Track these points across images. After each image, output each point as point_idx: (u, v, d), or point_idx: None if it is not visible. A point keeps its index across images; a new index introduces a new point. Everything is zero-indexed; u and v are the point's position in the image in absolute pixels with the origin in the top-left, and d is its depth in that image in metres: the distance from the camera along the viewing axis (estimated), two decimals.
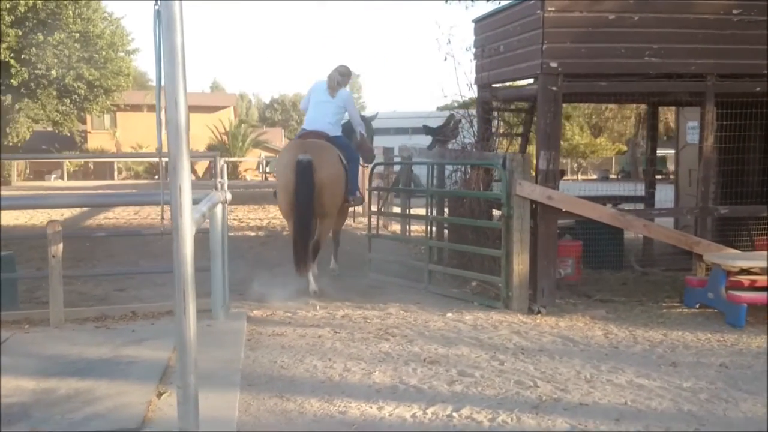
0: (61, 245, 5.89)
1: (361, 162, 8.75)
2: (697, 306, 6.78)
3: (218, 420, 3.93)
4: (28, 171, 40.92)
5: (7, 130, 36.17)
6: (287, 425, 3.95)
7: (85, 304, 6.98)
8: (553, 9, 6.58)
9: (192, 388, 3.71)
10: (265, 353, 5.19)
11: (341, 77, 7.94)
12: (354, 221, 13.12)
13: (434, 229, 8.69)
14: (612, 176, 42.93)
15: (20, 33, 30.29)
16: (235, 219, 14.08)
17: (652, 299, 7.28)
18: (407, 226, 10.66)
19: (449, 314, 6.53)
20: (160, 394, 4.32)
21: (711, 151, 6.99)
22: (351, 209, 9.66)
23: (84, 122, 43.42)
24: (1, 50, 29.54)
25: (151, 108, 39.77)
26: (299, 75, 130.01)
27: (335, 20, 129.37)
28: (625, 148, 44.92)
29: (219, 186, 6.21)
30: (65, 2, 31.63)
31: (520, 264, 6.70)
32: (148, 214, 14.75)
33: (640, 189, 9.61)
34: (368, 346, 5.44)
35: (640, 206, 9.06)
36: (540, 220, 6.79)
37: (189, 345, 3.69)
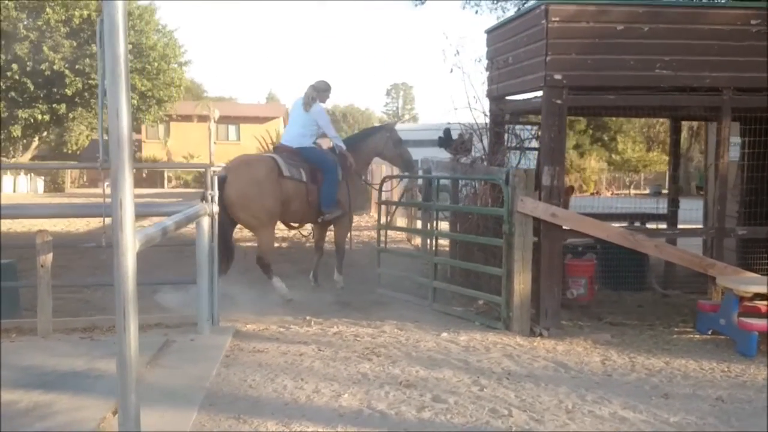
0: (50, 255, 5.88)
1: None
2: (710, 332, 6.43)
3: None
4: (84, 179, 41.96)
5: (64, 137, 37.28)
6: None
7: (85, 314, 6.99)
8: (557, 19, 6.33)
9: (132, 408, 3.60)
10: (239, 371, 5.06)
11: (316, 93, 8.07)
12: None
13: (439, 244, 8.47)
14: (665, 191, 41.79)
15: (75, 44, 31.10)
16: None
17: (666, 323, 6.95)
18: (429, 240, 10.45)
19: (444, 334, 6.31)
20: (115, 411, 4.21)
21: (727, 169, 6.63)
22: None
23: (139, 132, 44.41)
24: (57, 61, 30.37)
25: (201, 118, 40.42)
26: (352, 87, 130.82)
27: (388, 35, 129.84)
28: None
29: (209, 198, 6.11)
30: None
31: (522, 283, 6.45)
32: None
33: (692, 206, 9.22)
34: (348, 366, 5.27)
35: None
36: (543, 238, 6.52)
37: (129, 363, 3.59)
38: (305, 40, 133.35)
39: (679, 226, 8.41)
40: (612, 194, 38.71)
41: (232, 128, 44.46)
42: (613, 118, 35.71)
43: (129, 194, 3.46)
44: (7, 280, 6.92)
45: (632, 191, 42.47)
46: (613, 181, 43.69)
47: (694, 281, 7.98)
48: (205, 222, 5.84)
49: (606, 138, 48.66)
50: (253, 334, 6.17)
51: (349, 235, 9.83)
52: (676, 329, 6.76)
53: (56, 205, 9.70)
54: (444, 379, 5.04)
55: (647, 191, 41.83)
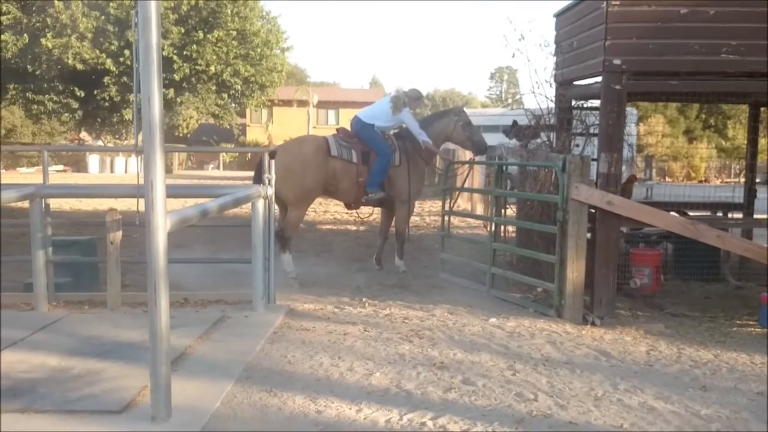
0: (120, 233, 6.27)
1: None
2: None
3: (195, 409, 4.06)
4: (192, 161, 43.76)
5: (170, 120, 38.97)
6: (259, 420, 4.01)
7: None
8: (617, 3, 6.21)
9: (163, 378, 3.88)
10: (282, 347, 5.28)
11: (408, 99, 8.35)
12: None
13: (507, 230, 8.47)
14: None
15: (183, 31, 32.35)
16: (340, 213, 14.31)
17: (729, 316, 6.75)
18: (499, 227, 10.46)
19: (492, 319, 6.35)
20: None
21: None
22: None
23: (244, 116, 45.87)
24: (166, 46, 31.71)
25: (301, 103, 41.25)
26: (455, 70, 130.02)
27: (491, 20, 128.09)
28: None
29: (266, 181, 6.37)
30: (225, 2, 33.46)
31: (575, 271, 6.40)
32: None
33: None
34: (388, 346, 5.41)
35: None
36: (599, 226, 6.45)
37: (160, 336, 3.85)
38: (410, 24, 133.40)
39: (756, 216, 8.08)
40: (722, 182, 37.12)
41: (331, 113, 45.24)
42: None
43: (160, 176, 3.69)
44: (88, 255, 7.45)
45: (742, 179, 40.58)
46: (723, 169, 41.82)
47: None
48: (260, 204, 6.09)
49: (719, 124, 46.63)
50: (306, 313, 6.40)
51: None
52: (738, 322, 6.56)
53: (95, 186, 10.23)
54: (479, 362, 5.10)
55: (758, 179, 39.83)
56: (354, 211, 8.91)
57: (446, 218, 8.67)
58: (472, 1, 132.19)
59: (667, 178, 39.29)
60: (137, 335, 5.40)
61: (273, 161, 6.59)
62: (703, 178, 39.36)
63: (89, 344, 5.20)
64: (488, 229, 11.65)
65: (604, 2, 6.24)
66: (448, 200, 8.69)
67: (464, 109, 9.06)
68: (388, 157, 8.10)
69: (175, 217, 3.95)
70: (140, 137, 3.77)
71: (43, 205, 6.36)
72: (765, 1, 6.20)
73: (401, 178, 8.25)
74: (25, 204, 6.23)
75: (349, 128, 8.48)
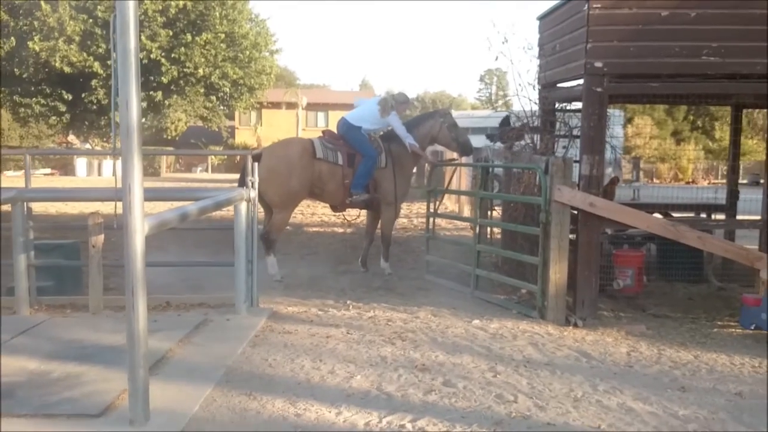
0: (101, 236, 6.25)
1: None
2: (752, 327, 6.24)
3: (174, 413, 4.05)
4: (180, 164, 43.63)
5: (159, 123, 38.90)
6: (238, 424, 4.00)
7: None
8: (598, 6, 6.24)
9: (141, 381, 3.86)
10: (263, 350, 5.28)
11: (396, 103, 8.38)
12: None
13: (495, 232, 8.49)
14: (763, 181, 39.82)
15: (171, 33, 32.30)
16: (327, 216, 14.30)
17: (711, 317, 6.79)
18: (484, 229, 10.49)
19: (476, 321, 6.37)
20: None
21: None
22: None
23: (232, 118, 45.80)
24: (154, 49, 31.66)
25: (290, 106, 41.21)
26: (445, 73, 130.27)
27: (481, 21, 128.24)
28: None
29: (249, 184, 6.37)
30: (213, 4, 33.43)
31: (558, 273, 6.42)
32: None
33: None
34: (370, 349, 5.41)
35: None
36: (581, 227, 6.48)
37: (138, 339, 3.84)
38: (400, 26, 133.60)
39: (738, 218, 8.14)
40: (709, 183, 37.31)
41: (321, 115, 45.21)
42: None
43: (138, 180, 3.69)
44: (71, 259, 7.42)
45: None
46: (711, 170, 42.05)
47: (754, 274, 7.72)
48: (243, 207, 6.09)
49: (706, 125, 46.90)
50: (289, 316, 6.40)
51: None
52: (719, 323, 6.60)
53: (75, 189, 10.24)
54: (461, 364, 5.12)
55: (745, 180, 40.11)
56: (341, 213, 8.91)
57: (431, 220, 8.69)
58: (462, 3, 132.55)
59: (654, 180, 39.50)
60: (118, 339, 5.37)
61: (256, 164, 6.59)
62: (690, 180, 39.59)
63: (70, 348, 5.18)
64: (472, 230, 11.72)
65: (586, 5, 6.27)
66: (433, 202, 8.71)
67: (450, 110, 9.10)
68: (373, 160, 8.12)
69: (153, 220, 3.94)
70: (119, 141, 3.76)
71: (25, 209, 6.34)
72: (745, 2, 6.25)
73: (387, 180, 8.27)
74: (7, 207, 6.20)
75: (336, 130, 8.50)
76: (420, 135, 8.55)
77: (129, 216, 3.67)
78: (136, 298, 3.78)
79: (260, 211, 7.54)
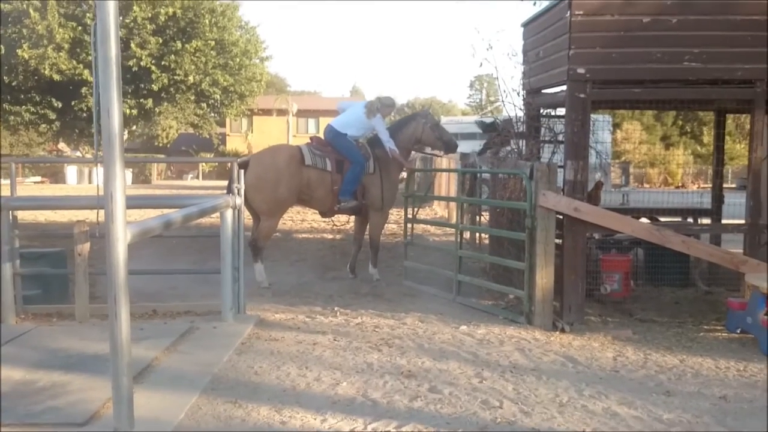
0: (88, 244, 6.24)
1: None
2: (738, 331, 6.27)
3: (159, 421, 4.04)
4: (171, 171, 43.56)
5: (150, 131, 38.88)
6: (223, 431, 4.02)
7: (131, 301, 7.30)
8: (581, 13, 6.29)
9: (125, 390, 3.85)
10: (249, 358, 5.28)
11: (381, 106, 8.39)
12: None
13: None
14: None
15: (161, 41, 32.29)
16: (317, 222, 14.30)
17: (697, 321, 6.82)
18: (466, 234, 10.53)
19: (463, 327, 6.39)
20: None
21: (760, 163, 6.44)
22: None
23: (224, 125, 45.77)
24: (144, 57, 31.65)
25: (281, 112, 41.21)
26: (435, 79, 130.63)
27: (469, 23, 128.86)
28: None
29: (235, 191, 6.38)
30: (203, 12, 33.45)
31: (544, 278, 6.45)
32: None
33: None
34: (356, 356, 5.42)
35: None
36: (567, 232, 6.51)
37: (121, 348, 3.82)
38: (390, 32, 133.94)
39: (723, 222, 8.19)
40: (698, 187, 37.46)
41: (311, 121, 45.23)
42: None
43: (120, 188, 3.69)
44: (58, 267, 7.40)
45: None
46: (700, 174, 42.19)
47: (741, 278, 7.77)
48: (229, 214, 6.09)
49: (695, 130, 47.11)
50: (276, 323, 6.40)
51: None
52: (705, 327, 6.63)
53: (59, 197, 10.27)
54: (447, 370, 5.13)
55: (734, 185, 40.31)
56: (329, 219, 8.93)
57: (409, 226, 8.72)
58: (452, 9, 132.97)
59: (644, 184, 39.62)
60: (104, 347, 5.32)
61: (243, 171, 6.60)
62: (680, 184, 39.69)
63: (55, 357, 5.17)
64: (465, 237, 11.74)
65: (568, 12, 6.32)
66: (412, 208, 8.75)
67: (429, 111, 9.16)
68: (361, 166, 8.14)
69: (136, 228, 3.94)
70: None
71: (11, 217, 6.32)
72: (726, 9, 6.31)
73: (374, 186, 8.29)
74: None
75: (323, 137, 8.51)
76: (405, 137, 8.58)
77: (111, 224, 3.67)
78: (118, 306, 3.77)
79: (248, 218, 7.54)
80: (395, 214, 15.29)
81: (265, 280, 7.87)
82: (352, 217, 9.25)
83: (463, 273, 7.74)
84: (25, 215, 13.27)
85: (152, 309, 6.61)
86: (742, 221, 6.90)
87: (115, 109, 3.67)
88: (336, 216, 8.86)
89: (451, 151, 9.01)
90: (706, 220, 8.62)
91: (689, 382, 5.04)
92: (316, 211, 8.99)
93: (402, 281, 8.42)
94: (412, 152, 9.33)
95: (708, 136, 42.14)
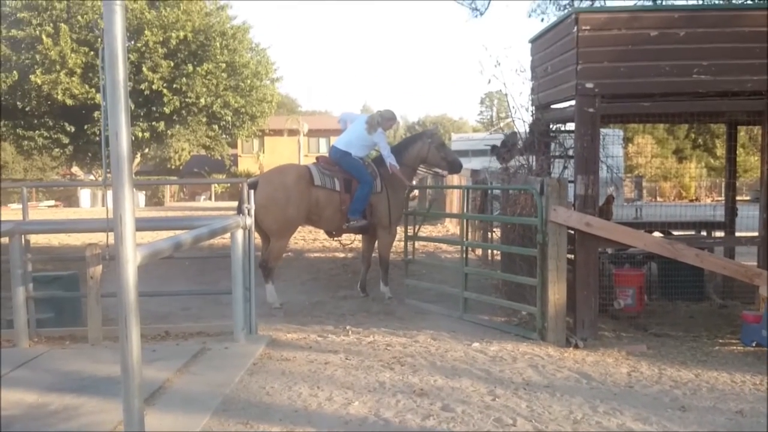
0: (99, 267, 6.28)
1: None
2: (753, 344, 6.20)
3: None
4: (184, 192, 43.84)
5: (162, 153, 39.13)
6: None
7: (144, 323, 7.36)
8: (588, 28, 6.30)
9: (136, 412, 3.83)
10: (261, 378, 5.27)
11: (382, 119, 8.39)
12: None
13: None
14: None
15: (172, 64, 32.58)
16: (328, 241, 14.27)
17: (712, 335, 6.76)
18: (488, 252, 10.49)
19: (475, 344, 6.35)
20: None
21: None
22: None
23: (235, 146, 46.03)
24: (155, 80, 31.93)
25: (292, 132, 41.42)
26: (446, 97, 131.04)
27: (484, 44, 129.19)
28: None
29: (245, 211, 6.40)
30: (214, 35, 33.76)
31: (557, 293, 6.41)
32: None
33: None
34: (368, 374, 5.40)
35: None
36: (578, 247, 6.48)
37: (132, 370, 3.81)
38: (401, 50, 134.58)
39: (737, 235, 8.12)
40: (713, 201, 37.23)
41: (323, 141, 45.32)
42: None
43: (129, 210, 3.69)
44: (70, 290, 7.44)
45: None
46: (714, 187, 41.96)
47: (755, 291, 7.69)
48: (239, 234, 6.10)
49: (708, 143, 46.92)
50: (288, 343, 6.39)
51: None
52: (720, 341, 6.57)
53: (71, 221, 10.36)
54: (460, 388, 5.09)
55: (748, 197, 40.04)
56: (336, 238, 8.93)
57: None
58: (462, 26, 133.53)
59: (658, 198, 39.42)
60: (116, 369, 5.29)
61: (253, 191, 6.62)
62: (694, 197, 39.47)
63: (68, 380, 5.18)
64: (474, 252, 11.71)
65: (575, 27, 6.32)
66: (413, 226, 8.75)
67: (437, 130, 9.16)
68: (370, 185, 8.14)
69: (146, 250, 3.95)
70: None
71: (23, 241, 6.36)
72: (734, 21, 6.30)
73: (382, 204, 8.29)
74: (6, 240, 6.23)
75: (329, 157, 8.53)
76: (410, 157, 8.61)
77: (121, 246, 3.68)
78: (129, 328, 3.76)
79: (257, 238, 7.55)
80: (422, 231, 15.27)
81: (277, 301, 7.86)
82: (357, 237, 9.25)
83: (475, 290, 7.71)
84: (39, 239, 13.43)
85: (165, 330, 6.61)
86: (756, 234, 6.85)
87: (123, 132, 3.68)
88: (342, 235, 8.85)
89: (455, 171, 9.04)
90: (720, 233, 8.56)
91: (705, 396, 4.98)
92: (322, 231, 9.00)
93: (414, 298, 8.38)
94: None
95: (721, 149, 41.91)
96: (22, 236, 6.34)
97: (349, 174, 8.16)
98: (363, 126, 8.35)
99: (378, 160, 8.51)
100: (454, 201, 16.61)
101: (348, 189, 8.11)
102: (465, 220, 8.03)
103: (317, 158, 8.62)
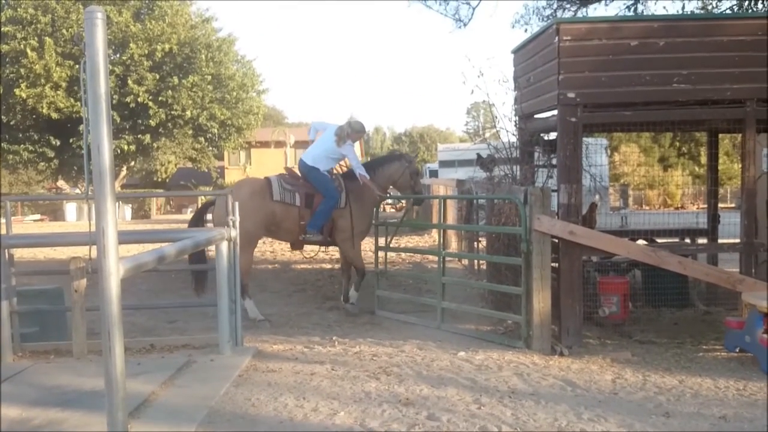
0: (84, 280, 6.25)
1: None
2: (737, 350, 6.24)
3: None
4: (170, 205, 43.72)
5: (148, 166, 38.99)
6: None
7: (129, 336, 7.34)
8: (569, 38, 6.36)
9: (120, 425, 3.84)
10: (246, 390, 5.26)
11: (351, 131, 8.35)
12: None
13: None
14: None
15: (158, 77, 32.56)
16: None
17: (696, 341, 6.80)
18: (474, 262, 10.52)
19: (461, 353, 6.37)
20: None
21: (753, 182, 6.46)
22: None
23: (222, 159, 45.95)
24: (141, 93, 31.89)
25: (278, 144, 41.39)
26: (433, 107, 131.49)
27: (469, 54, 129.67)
28: None
29: (230, 223, 6.40)
30: (199, 47, 33.76)
31: (541, 302, 6.44)
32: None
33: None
34: (354, 385, 5.40)
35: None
36: (563, 256, 6.52)
37: (116, 383, 3.81)
38: (387, 61, 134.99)
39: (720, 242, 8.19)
40: (698, 208, 37.47)
41: None
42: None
43: (111, 223, 3.70)
44: (55, 304, 7.39)
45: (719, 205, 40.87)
46: (699, 195, 42.27)
47: (738, 297, 7.75)
48: (224, 246, 6.11)
49: (692, 151, 47.27)
50: (274, 354, 6.38)
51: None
52: (704, 347, 6.61)
53: (54, 234, 10.36)
54: (445, 397, 5.11)
55: (732, 204, 40.33)
56: (296, 249, 8.94)
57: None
58: (447, 37, 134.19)
59: (644, 206, 39.66)
60: (101, 383, 5.29)
61: (235, 202, 6.62)
62: (679, 205, 39.76)
63: (52, 394, 5.16)
64: (461, 262, 11.74)
65: (556, 38, 6.39)
66: (385, 237, 8.76)
67: (415, 158, 9.19)
68: (334, 200, 8.14)
69: (129, 263, 3.94)
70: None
71: (6, 255, 6.33)
72: (713, 30, 6.38)
73: (344, 219, 8.28)
74: None
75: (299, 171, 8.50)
76: (383, 175, 8.62)
77: (104, 259, 3.68)
78: (112, 342, 3.77)
79: None
80: (408, 241, 15.31)
81: (259, 315, 7.82)
82: (321, 248, 9.23)
83: (462, 300, 7.73)
84: (24, 253, 13.33)
85: (150, 344, 6.59)
86: (738, 240, 6.91)
87: (105, 145, 3.69)
88: (307, 247, 8.83)
89: (417, 204, 9.23)
90: (704, 240, 8.63)
91: (688, 402, 5.02)
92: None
93: (399, 308, 8.38)
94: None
95: (705, 157, 42.29)
96: (6, 250, 6.31)
97: (314, 189, 8.16)
98: (332, 138, 8.29)
99: (347, 174, 8.51)
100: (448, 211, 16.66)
101: (309, 204, 8.10)
102: (442, 230, 8.04)
103: (285, 169, 8.62)
